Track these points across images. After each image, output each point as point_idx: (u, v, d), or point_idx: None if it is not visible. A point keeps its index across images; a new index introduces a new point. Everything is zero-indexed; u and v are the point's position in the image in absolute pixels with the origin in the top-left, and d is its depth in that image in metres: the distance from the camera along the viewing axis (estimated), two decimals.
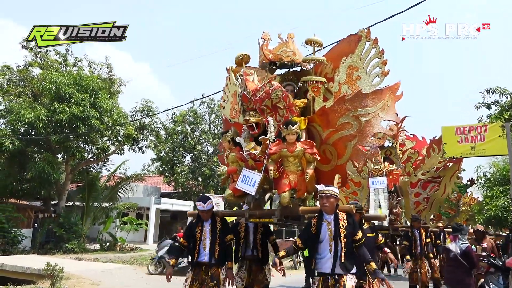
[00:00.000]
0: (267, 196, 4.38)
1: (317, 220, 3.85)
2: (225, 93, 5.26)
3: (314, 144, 4.24)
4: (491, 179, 13.02)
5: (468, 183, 12.95)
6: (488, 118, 7.60)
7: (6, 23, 55.97)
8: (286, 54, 4.67)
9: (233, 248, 4.95)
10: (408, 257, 7.32)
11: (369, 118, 4.20)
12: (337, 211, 3.86)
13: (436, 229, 10.36)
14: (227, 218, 4.90)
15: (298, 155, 4.18)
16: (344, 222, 3.79)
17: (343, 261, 3.67)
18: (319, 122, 4.48)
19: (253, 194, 4.08)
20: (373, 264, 3.73)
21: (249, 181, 4.04)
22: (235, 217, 5.84)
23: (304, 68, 4.89)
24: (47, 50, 17.33)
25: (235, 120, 4.89)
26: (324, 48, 4.82)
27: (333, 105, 4.35)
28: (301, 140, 4.28)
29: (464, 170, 11.30)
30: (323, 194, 3.79)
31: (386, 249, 5.59)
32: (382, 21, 7.18)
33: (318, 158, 4.19)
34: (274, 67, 4.87)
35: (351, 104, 4.24)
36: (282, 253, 3.79)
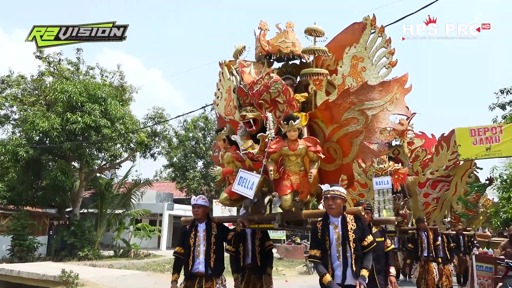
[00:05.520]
0: (266, 200, 4.04)
1: (322, 223, 3.51)
2: (219, 89, 4.90)
3: (318, 141, 3.90)
4: (508, 180, 12.44)
5: (487, 182, 12.28)
6: (503, 119, 7.31)
7: (21, 33, 57.72)
8: (285, 45, 4.27)
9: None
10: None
11: (377, 112, 3.81)
12: (344, 213, 3.53)
13: (449, 231, 9.87)
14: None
15: (301, 153, 3.78)
16: (352, 225, 3.44)
17: (354, 269, 3.32)
18: (322, 117, 4.09)
19: (252, 198, 3.75)
20: (365, 271, 3.37)
21: (247, 184, 3.67)
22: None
23: (304, 61, 4.54)
24: (59, 59, 17.60)
25: (229, 117, 4.53)
26: (326, 40, 4.47)
27: (337, 99, 3.95)
28: (303, 137, 3.91)
29: (481, 169, 10.78)
30: (328, 195, 3.45)
31: (391, 271, 5.15)
32: (398, 20, 6.91)
33: (323, 156, 3.83)
34: (271, 59, 4.53)
35: (356, 97, 3.84)
36: (328, 277, 3.34)
